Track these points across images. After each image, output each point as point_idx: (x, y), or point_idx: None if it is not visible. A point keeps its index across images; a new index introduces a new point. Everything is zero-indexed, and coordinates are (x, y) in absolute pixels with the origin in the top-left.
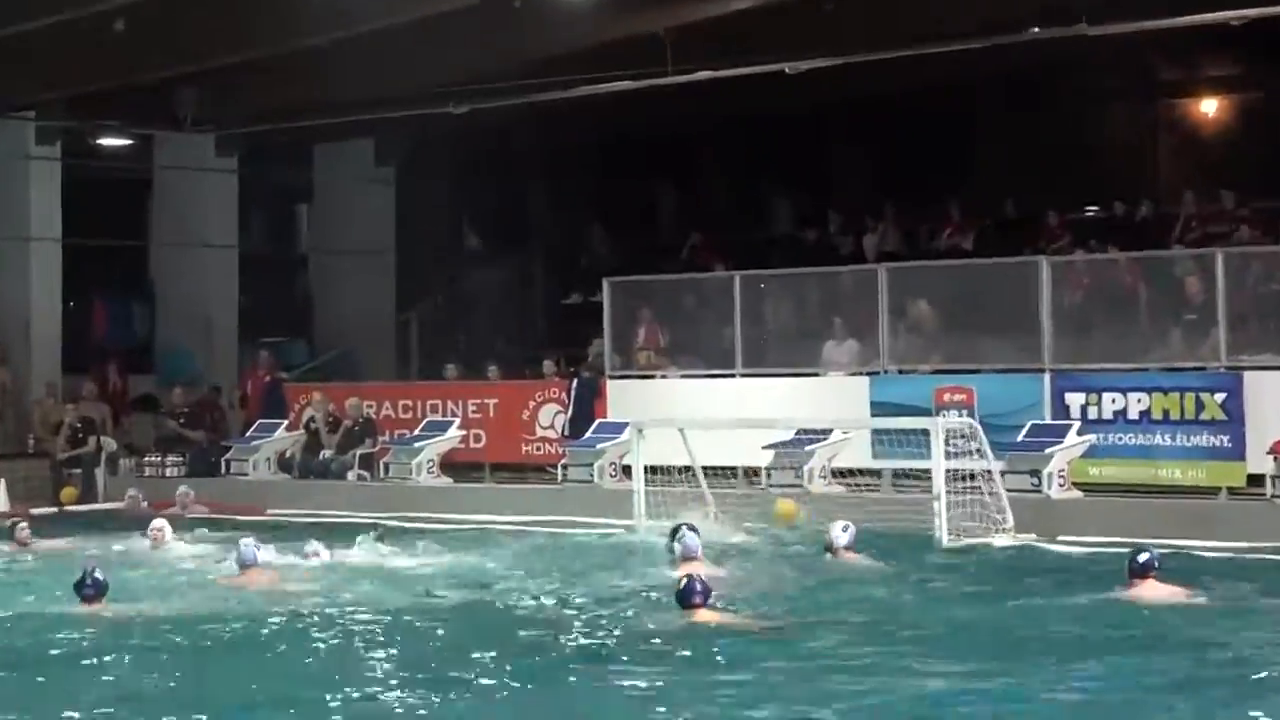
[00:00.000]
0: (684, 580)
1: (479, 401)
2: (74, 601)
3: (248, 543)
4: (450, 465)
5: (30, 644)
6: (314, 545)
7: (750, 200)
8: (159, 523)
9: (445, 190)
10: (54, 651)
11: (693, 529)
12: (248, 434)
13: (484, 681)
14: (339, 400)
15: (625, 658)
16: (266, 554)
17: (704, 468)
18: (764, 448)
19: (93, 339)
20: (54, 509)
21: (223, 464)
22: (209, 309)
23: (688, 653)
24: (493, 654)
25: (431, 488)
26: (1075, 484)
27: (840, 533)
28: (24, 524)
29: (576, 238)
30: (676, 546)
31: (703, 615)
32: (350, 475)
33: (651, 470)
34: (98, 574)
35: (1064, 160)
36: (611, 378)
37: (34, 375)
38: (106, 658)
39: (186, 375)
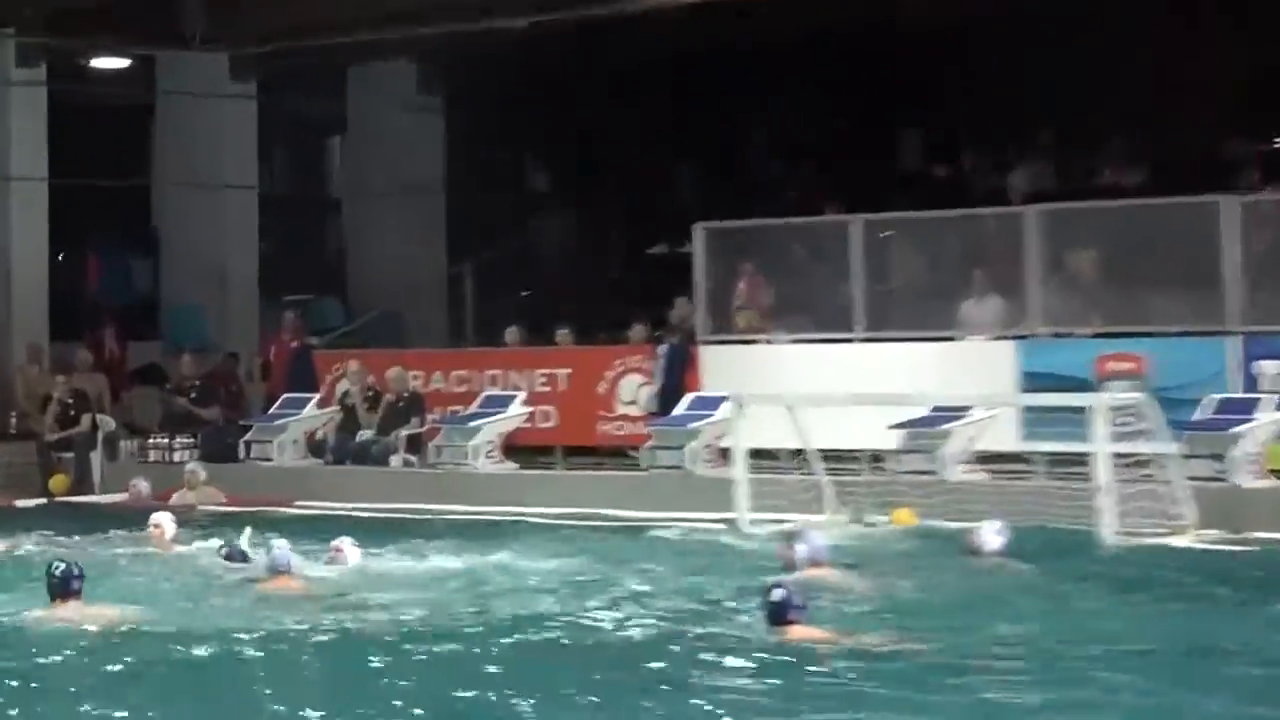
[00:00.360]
0: (776, 591)
1: (547, 372)
2: (42, 606)
3: (282, 545)
4: (514, 448)
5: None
6: (340, 542)
7: (868, 128)
8: (159, 517)
9: (504, 121)
10: (38, 671)
11: (808, 528)
12: (271, 411)
13: (541, 713)
14: (379, 371)
15: (715, 686)
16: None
17: (819, 451)
18: (890, 427)
19: (86, 298)
20: (42, 500)
21: (241, 447)
22: (224, 261)
23: (799, 683)
24: (554, 679)
25: (491, 475)
26: (1271, 470)
27: (992, 535)
28: None
29: (661, 175)
30: (800, 549)
31: (799, 632)
32: (394, 460)
33: (755, 454)
34: (78, 565)
35: (1252, 80)
36: (705, 343)
37: (15, 341)
38: (94, 678)
39: (197, 341)
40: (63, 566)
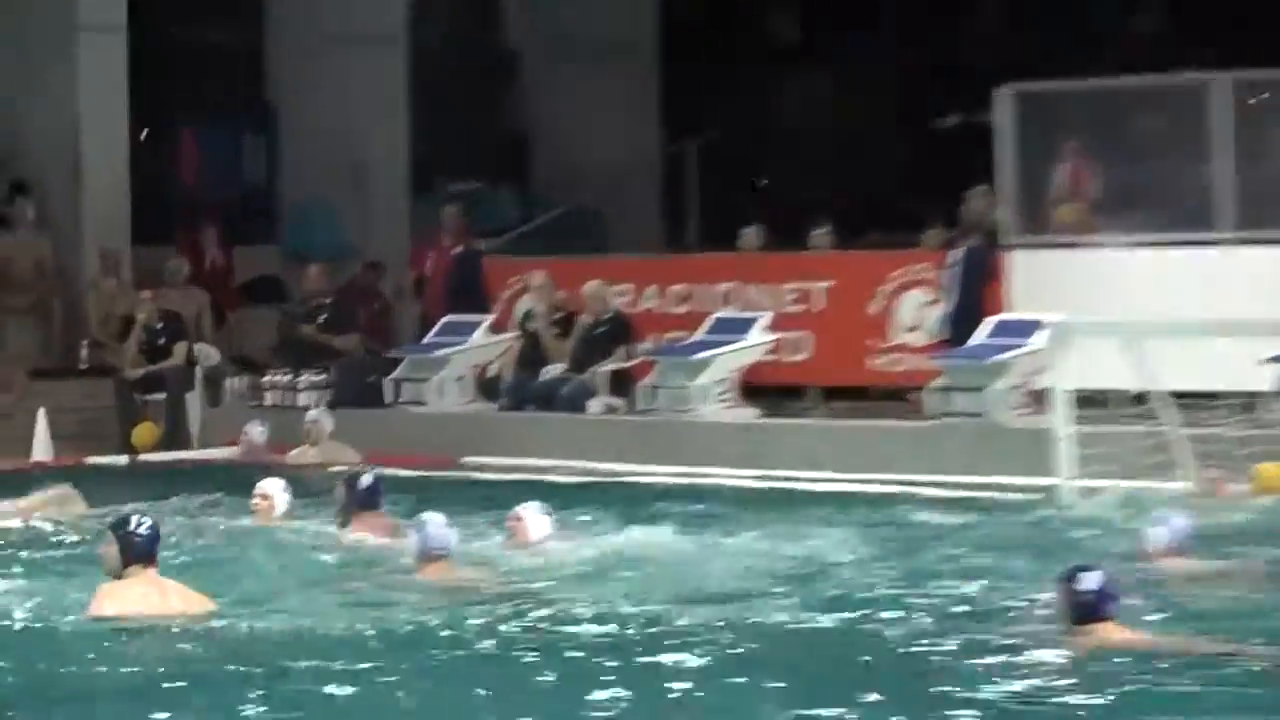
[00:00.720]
0: (1085, 578)
1: (800, 286)
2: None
3: (438, 521)
4: (753, 389)
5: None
6: (521, 512)
7: None
8: (268, 486)
9: None
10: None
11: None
12: (427, 339)
13: None
14: (572, 285)
15: (1023, 708)
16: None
17: (1169, 395)
18: (1265, 362)
19: (179, 189)
20: (122, 457)
21: (387, 387)
22: (362, 140)
23: (1117, 700)
24: (805, 700)
25: (723, 425)
26: None
27: None
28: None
29: (952, 20)
30: (1155, 532)
31: (1110, 633)
32: (593, 404)
33: (1082, 400)
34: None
35: None
36: (1014, 248)
37: (87, 245)
38: (187, 691)
39: (328, 246)
40: (148, 521)
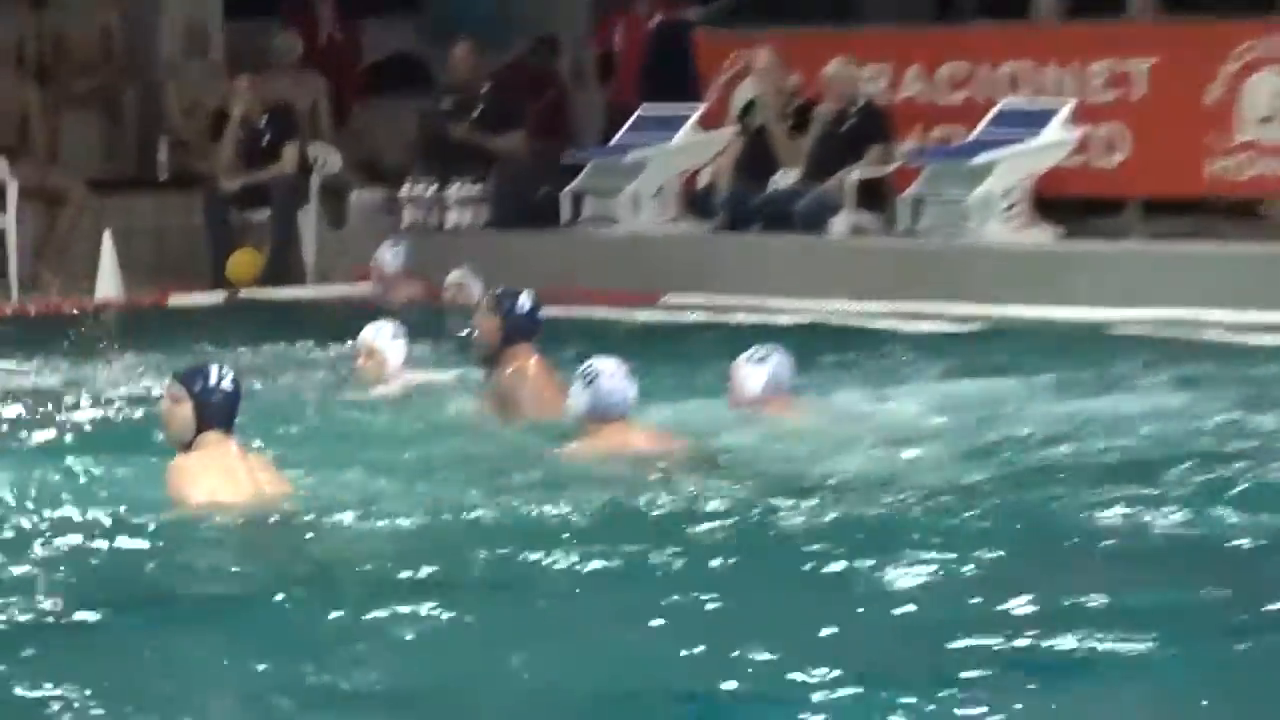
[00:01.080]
0: None
1: (1113, 66)
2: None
3: (612, 370)
4: (1051, 203)
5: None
6: (747, 360)
7: None
8: (374, 334)
9: None
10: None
11: None
12: (616, 140)
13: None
14: (809, 66)
15: None
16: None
17: None
18: None
19: None
20: (217, 295)
21: (564, 201)
22: None
23: None
24: (1113, 619)
25: (1011, 249)
26: None
27: None
28: None
29: None
30: None
31: None
32: (838, 223)
33: None
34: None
35: None
36: None
37: (165, 20)
38: (284, 608)
39: (481, 19)
40: (230, 374)
